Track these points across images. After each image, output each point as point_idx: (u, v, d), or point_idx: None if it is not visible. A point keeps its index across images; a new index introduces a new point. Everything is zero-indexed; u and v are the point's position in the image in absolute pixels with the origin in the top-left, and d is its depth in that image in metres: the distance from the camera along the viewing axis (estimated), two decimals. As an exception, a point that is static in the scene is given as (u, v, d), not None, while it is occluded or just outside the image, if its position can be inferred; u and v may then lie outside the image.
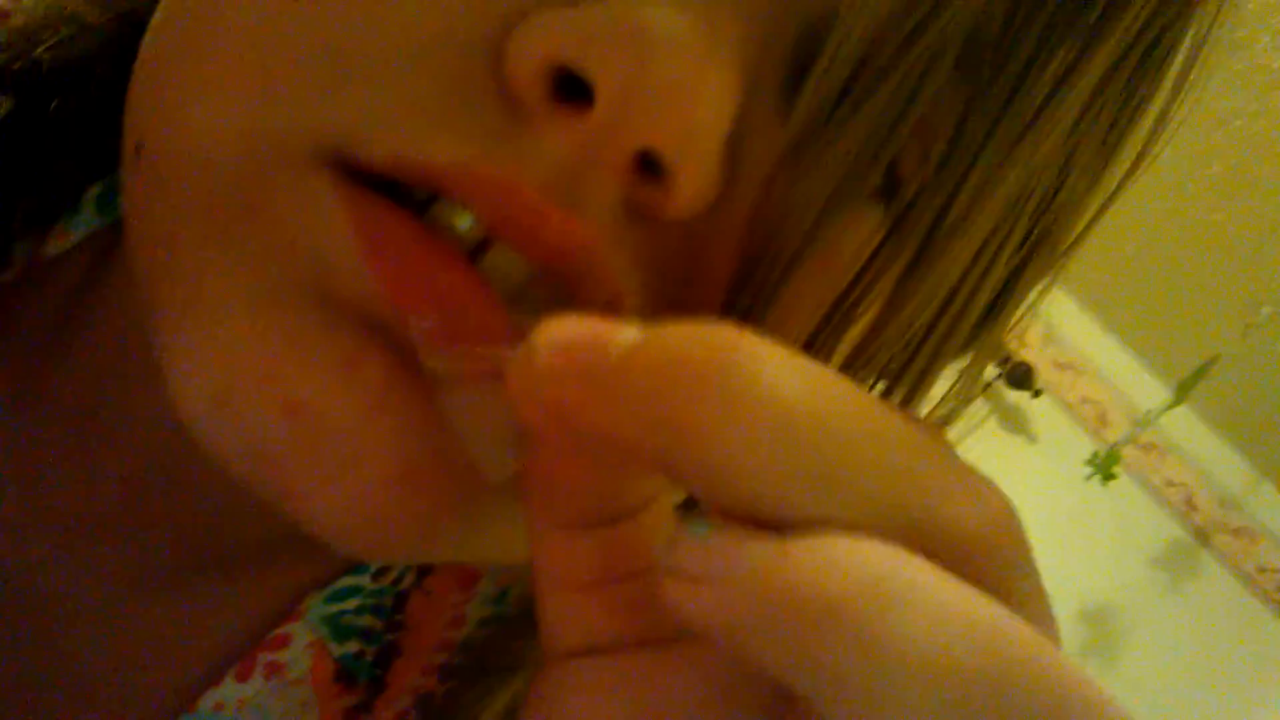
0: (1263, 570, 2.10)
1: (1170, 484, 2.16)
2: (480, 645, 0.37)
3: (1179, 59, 0.27)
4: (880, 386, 0.27)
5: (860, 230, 0.23)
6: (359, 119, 0.20)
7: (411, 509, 0.21)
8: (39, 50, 0.29)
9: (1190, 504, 2.14)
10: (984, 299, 0.25)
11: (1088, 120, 0.24)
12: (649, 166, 0.20)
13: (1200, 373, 1.86)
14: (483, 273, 0.21)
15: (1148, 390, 2.15)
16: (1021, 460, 2.11)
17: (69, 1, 0.31)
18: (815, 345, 0.23)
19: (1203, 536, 2.12)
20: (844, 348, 0.24)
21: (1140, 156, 0.29)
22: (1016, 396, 2.10)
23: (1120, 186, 0.30)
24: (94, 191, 0.33)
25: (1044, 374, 2.12)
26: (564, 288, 0.21)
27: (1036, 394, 2.07)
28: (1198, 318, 1.98)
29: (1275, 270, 1.78)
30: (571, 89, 0.19)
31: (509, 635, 0.37)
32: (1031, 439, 2.16)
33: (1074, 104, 0.22)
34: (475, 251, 0.21)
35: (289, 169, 0.20)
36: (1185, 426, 2.15)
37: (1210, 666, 2.01)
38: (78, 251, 0.33)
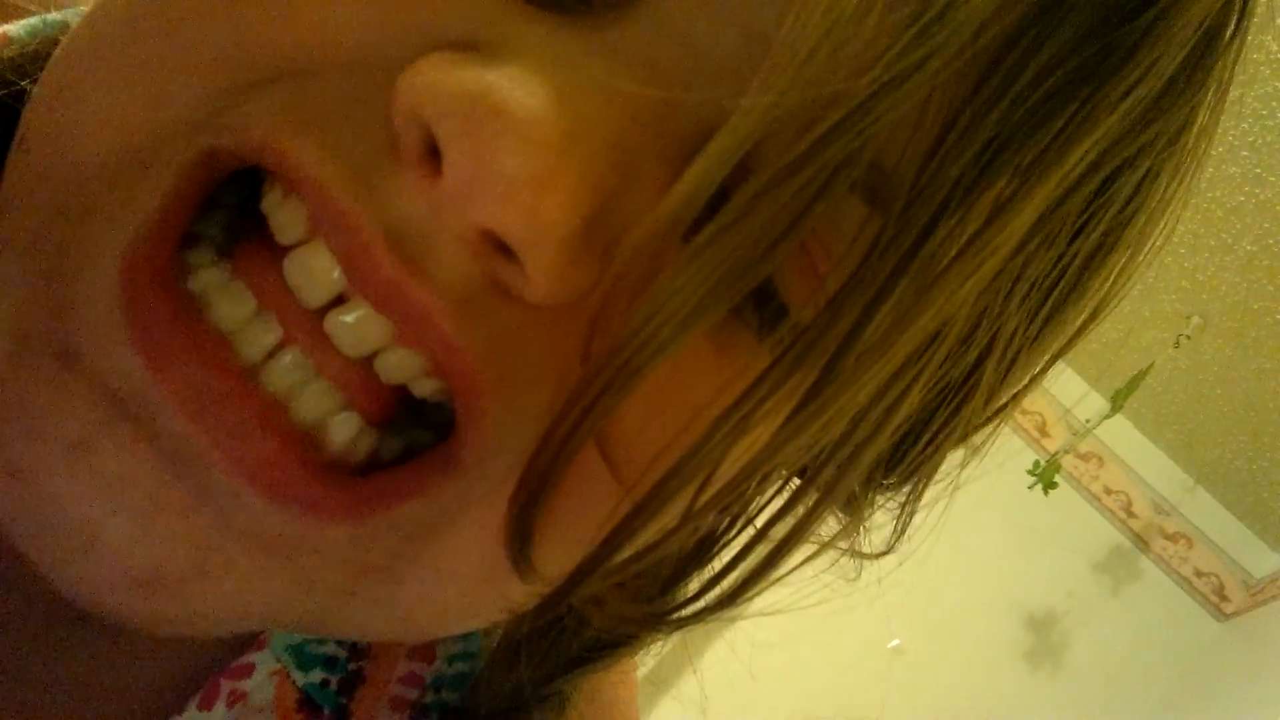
0: (1200, 574, 2.15)
1: (1109, 491, 2.21)
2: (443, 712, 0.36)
3: (1149, 203, 0.24)
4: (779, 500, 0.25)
5: (731, 351, 0.22)
6: (243, 119, 0.19)
7: (155, 609, 0.19)
8: (24, 82, 0.29)
9: (1129, 510, 2.19)
10: (884, 440, 0.22)
11: (1016, 266, 0.21)
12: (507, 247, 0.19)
13: (1134, 382, 1.91)
14: (264, 376, 0.20)
15: (1085, 400, 2.20)
16: (965, 471, 2.14)
17: (63, 38, 0.30)
18: (691, 463, 0.21)
19: (1142, 542, 2.17)
20: (731, 466, 0.22)
21: (1090, 322, 0.26)
22: (959, 409, 2.13)
23: (1067, 346, 0.26)
24: None
25: (984, 386, 2.16)
26: (421, 364, 0.21)
27: (978, 406, 2.10)
28: (1130, 329, 2.02)
29: (1203, 282, 1.83)
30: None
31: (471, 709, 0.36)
32: (974, 450, 2.19)
33: (1003, 248, 0.19)
34: (331, 305, 0.20)
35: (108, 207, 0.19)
36: (1122, 435, 2.20)
37: (1151, 668, 2.05)
38: None
